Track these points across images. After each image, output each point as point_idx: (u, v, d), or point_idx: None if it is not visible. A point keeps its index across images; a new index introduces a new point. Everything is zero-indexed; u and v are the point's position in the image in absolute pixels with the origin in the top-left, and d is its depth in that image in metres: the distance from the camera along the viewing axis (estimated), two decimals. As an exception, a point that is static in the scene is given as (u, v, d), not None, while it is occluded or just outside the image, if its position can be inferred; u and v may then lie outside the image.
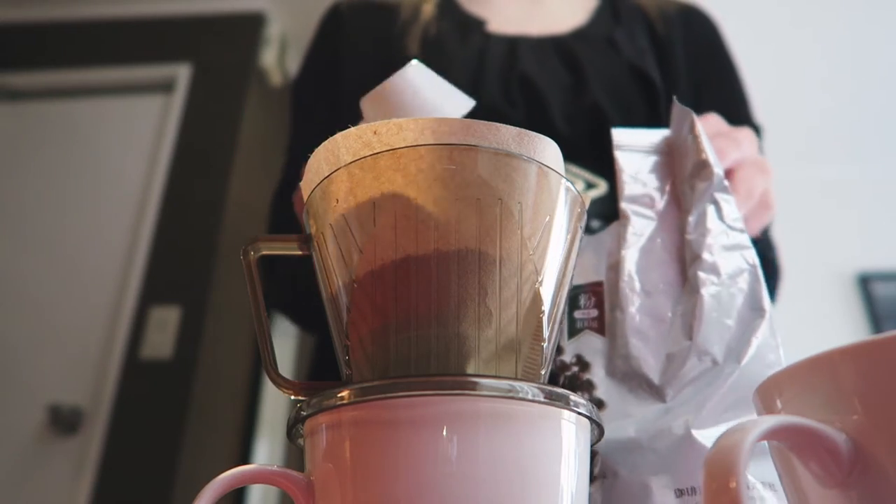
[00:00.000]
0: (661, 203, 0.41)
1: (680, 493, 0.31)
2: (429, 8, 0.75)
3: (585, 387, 0.36)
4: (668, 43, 0.72)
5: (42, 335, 1.93)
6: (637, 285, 0.38)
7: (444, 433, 0.21)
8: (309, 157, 0.28)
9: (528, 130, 0.26)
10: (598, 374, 0.37)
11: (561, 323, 0.28)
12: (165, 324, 1.88)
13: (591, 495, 0.33)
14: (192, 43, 2.34)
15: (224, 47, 2.33)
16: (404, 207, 0.24)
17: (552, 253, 0.26)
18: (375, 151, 0.25)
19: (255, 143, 2.29)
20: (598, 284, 0.39)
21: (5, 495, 1.74)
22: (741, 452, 0.16)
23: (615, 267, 0.39)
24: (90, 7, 2.40)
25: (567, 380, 0.37)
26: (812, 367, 0.19)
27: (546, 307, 0.26)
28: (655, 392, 0.35)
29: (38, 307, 1.97)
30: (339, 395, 0.22)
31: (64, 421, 1.78)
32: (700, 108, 0.67)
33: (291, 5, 2.48)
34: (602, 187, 0.63)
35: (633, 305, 0.37)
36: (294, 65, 2.67)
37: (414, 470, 0.21)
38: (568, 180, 0.26)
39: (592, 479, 0.34)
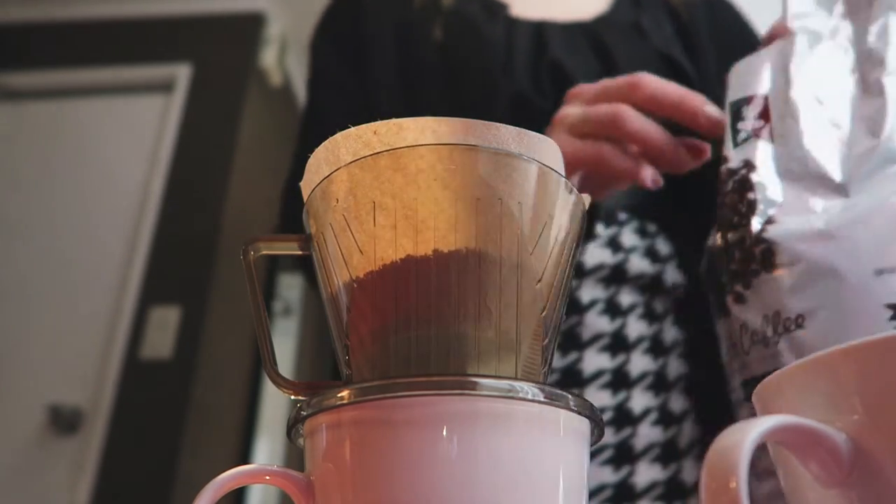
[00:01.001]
0: (829, 18, 0.41)
1: (880, 272, 0.32)
2: None
3: (757, 188, 0.36)
4: (694, 31, 0.70)
5: (42, 335, 1.93)
6: (809, 93, 0.38)
7: (444, 433, 0.21)
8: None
9: (528, 130, 0.26)
10: (768, 177, 0.37)
11: (561, 323, 0.28)
12: (165, 324, 1.88)
13: (773, 280, 0.33)
14: (192, 43, 2.34)
15: (224, 47, 2.33)
16: (404, 207, 0.24)
17: (552, 253, 0.26)
18: (375, 151, 0.25)
19: (255, 143, 2.29)
20: (762, 97, 0.40)
21: (5, 495, 1.74)
22: (741, 452, 0.16)
23: (782, 78, 0.39)
24: (90, 7, 2.40)
25: (736, 184, 0.37)
26: (812, 367, 0.19)
27: (546, 307, 0.26)
28: (837, 189, 0.35)
29: (37, 307, 1.97)
30: (339, 395, 0.22)
31: (64, 421, 1.78)
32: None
33: (291, 5, 2.48)
34: None
35: (807, 112, 0.38)
36: (294, 65, 2.67)
37: (414, 470, 0.21)
38: (568, 180, 0.26)
39: (773, 267, 0.34)
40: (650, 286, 0.58)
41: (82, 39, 2.37)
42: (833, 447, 0.17)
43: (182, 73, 2.25)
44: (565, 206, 0.26)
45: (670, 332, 0.58)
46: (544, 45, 0.65)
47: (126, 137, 2.20)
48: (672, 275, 0.59)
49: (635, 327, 0.56)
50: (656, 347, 0.56)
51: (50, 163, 2.17)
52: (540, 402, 0.22)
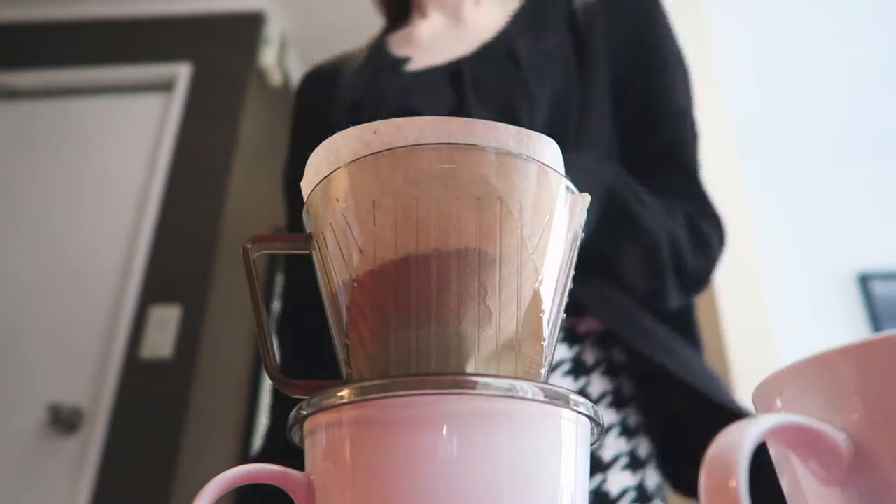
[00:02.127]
0: None
1: None
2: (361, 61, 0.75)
3: None
4: (588, 36, 0.66)
5: (42, 335, 1.93)
6: None
7: (444, 432, 0.21)
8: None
9: (527, 130, 0.26)
10: None
11: (560, 322, 0.28)
12: (165, 324, 1.88)
13: None
14: (192, 43, 2.34)
15: (224, 47, 2.33)
16: (404, 207, 0.24)
17: (552, 252, 0.26)
18: (375, 151, 0.25)
19: (255, 143, 2.29)
20: None
21: (5, 495, 1.74)
22: (741, 452, 0.16)
23: None
24: (90, 7, 2.40)
25: None
26: (812, 366, 0.19)
27: (546, 307, 0.26)
28: None
29: (38, 307, 1.97)
30: (339, 394, 0.22)
31: (64, 421, 1.78)
32: (621, 106, 0.64)
33: (291, 5, 2.48)
34: None
35: None
36: (294, 65, 2.67)
37: (414, 469, 0.21)
38: (568, 180, 0.26)
39: None
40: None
41: (82, 39, 2.37)
42: (833, 446, 0.17)
43: (182, 73, 2.25)
44: (565, 205, 0.26)
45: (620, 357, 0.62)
46: (409, 97, 0.65)
47: (126, 137, 2.19)
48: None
49: (590, 354, 0.60)
50: (610, 370, 0.61)
51: (50, 162, 2.17)
52: (540, 401, 0.22)
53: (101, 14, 2.40)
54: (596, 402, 0.57)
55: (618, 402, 0.60)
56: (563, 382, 0.57)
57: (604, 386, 0.59)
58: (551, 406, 0.22)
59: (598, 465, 0.56)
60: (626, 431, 0.59)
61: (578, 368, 0.59)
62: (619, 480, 0.56)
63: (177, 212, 2.05)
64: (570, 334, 0.60)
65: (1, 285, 2.01)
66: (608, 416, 0.58)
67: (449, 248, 0.24)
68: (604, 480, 0.55)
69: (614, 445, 0.57)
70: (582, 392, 0.58)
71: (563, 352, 0.59)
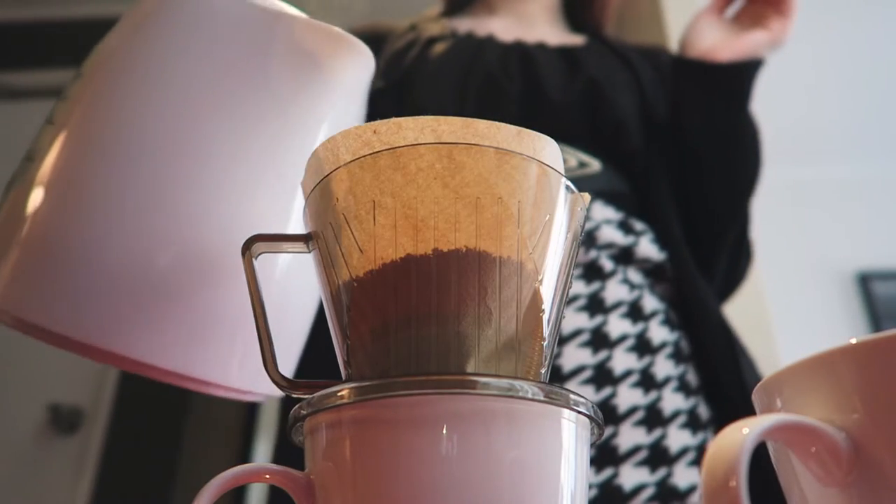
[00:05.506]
0: None
1: None
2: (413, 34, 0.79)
3: None
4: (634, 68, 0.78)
5: (42, 335, 1.93)
6: None
7: (444, 432, 0.21)
8: None
9: (527, 129, 0.26)
10: None
11: (560, 322, 0.28)
12: (165, 324, 1.88)
13: None
14: (192, 43, 2.34)
15: (224, 47, 2.32)
16: (404, 206, 0.24)
17: (552, 252, 0.26)
18: (375, 150, 0.25)
19: (254, 143, 2.29)
20: None
21: (5, 495, 1.74)
22: (741, 451, 0.16)
23: None
24: (91, 7, 2.40)
25: None
26: (812, 366, 0.19)
27: (546, 306, 0.26)
28: None
29: (38, 307, 1.96)
30: (339, 393, 0.22)
31: (64, 421, 1.78)
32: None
33: (291, 5, 2.48)
34: (595, 166, 0.68)
35: None
36: (294, 64, 2.66)
37: (414, 469, 0.21)
38: (567, 179, 0.26)
39: None
40: (622, 256, 0.63)
41: (83, 39, 2.36)
42: (833, 445, 0.17)
43: (182, 73, 2.25)
44: (565, 205, 0.26)
45: (650, 301, 0.63)
46: (517, 43, 0.74)
47: (126, 137, 2.19)
48: (645, 248, 0.64)
49: (614, 291, 0.61)
50: (635, 313, 0.61)
51: (50, 163, 2.17)
52: (540, 400, 0.22)
53: (102, 14, 2.40)
54: (656, 351, 0.59)
55: (677, 355, 0.61)
56: (622, 324, 0.59)
57: (664, 336, 0.61)
58: (551, 406, 0.22)
59: (658, 420, 0.56)
60: (685, 388, 0.60)
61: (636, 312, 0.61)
62: (678, 438, 0.57)
63: (177, 212, 2.05)
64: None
65: None
66: (668, 368, 0.59)
67: (449, 247, 0.24)
68: (663, 436, 0.56)
69: (672, 401, 0.58)
70: (641, 335, 0.60)
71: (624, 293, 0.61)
